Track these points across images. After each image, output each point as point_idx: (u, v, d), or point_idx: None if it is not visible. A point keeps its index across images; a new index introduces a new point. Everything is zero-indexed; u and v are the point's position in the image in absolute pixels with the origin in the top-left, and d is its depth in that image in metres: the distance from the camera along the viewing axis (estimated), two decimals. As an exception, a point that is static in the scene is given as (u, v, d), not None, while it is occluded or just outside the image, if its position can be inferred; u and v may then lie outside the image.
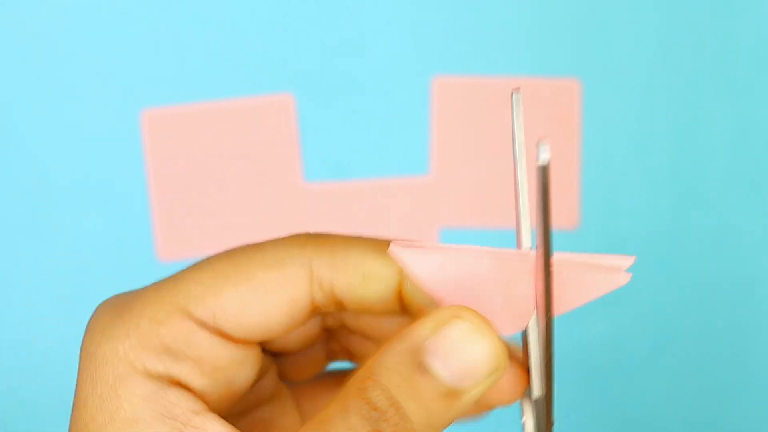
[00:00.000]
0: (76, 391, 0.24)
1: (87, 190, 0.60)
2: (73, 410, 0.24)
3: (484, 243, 0.24)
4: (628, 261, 0.23)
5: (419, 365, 0.22)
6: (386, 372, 0.22)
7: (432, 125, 0.60)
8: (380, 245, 0.25)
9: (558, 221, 0.61)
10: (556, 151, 0.60)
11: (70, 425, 0.24)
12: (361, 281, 0.25)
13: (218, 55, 0.59)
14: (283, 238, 0.25)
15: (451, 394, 0.22)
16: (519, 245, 0.24)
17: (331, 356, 0.30)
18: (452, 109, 0.60)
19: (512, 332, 0.24)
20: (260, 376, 0.27)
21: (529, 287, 0.23)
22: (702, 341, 0.62)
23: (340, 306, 0.25)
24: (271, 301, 0.24)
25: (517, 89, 0.22)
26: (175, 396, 0.23)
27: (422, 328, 0.23)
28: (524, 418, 0.25)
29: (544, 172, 0.21)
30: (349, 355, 0.29)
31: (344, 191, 0.60)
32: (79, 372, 0.24)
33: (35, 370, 0.61)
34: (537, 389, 0.24)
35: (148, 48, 0.59)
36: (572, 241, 0.61)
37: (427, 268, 0.23)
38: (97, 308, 0.25)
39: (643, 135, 0.60)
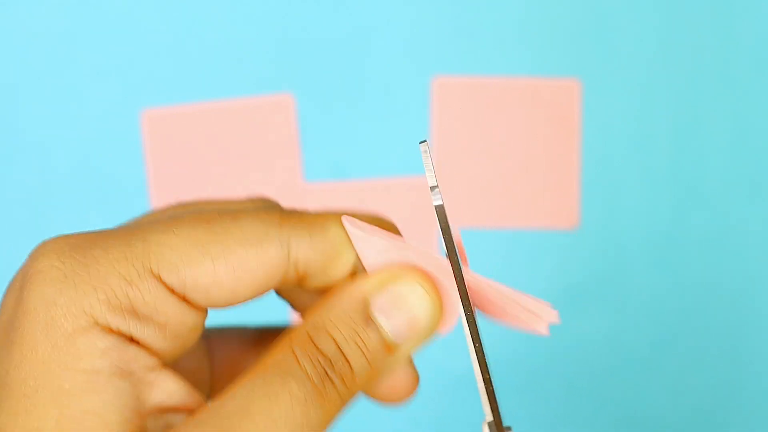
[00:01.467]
0: (12, 332, 0.23)
1: (87, 190, 0.60)
2: (9, 353, 0.23)
3: (484, 243, 0.24)
4: (549, 314, 0.25)
5: (365, 319, 0.24)
6: (335, 323, 0.24)
7: (432, 125, 0.60)
8: (347, 215, 0.26)
9: (558, 221, 0.61)
10: (556, 151, 0.60)
11: None
12: (336, 256, 0.25)
13: (218, 55, 0.59)
14: (259, 212, 0.25)
15: (391, 347, 0.24)
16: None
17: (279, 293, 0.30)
18: (452, 109, 0.60)
19: (448, 324, 0.25)
20: None
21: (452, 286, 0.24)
22: (702, 341, 0.62)
23: (302, 282, 0.26)
24: (244, 278, 0.24)
25: (424, 141, 0.24)
26: (134, 352, 0.23)
27: (369, 284, 0.24)
28: None
29: (441, 212, 0.23)
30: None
31: (344, 191, 0.60)
32: (22, 313, 0.23)
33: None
34: (487, 414, 0.25)
35: (148, 48, 0.59)
36: (572, 241, 0.61)
37: (372, 248, 0.24)
38: (45, 250, 0.24)
39: (643, 135, 0.60)
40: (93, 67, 0.59)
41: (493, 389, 0.25)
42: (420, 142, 0.24)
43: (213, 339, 0.30)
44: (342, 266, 0.25)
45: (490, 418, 0.25)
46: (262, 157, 0.60)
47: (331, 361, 0.23)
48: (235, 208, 0.25)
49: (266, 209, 0.25)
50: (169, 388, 0.23)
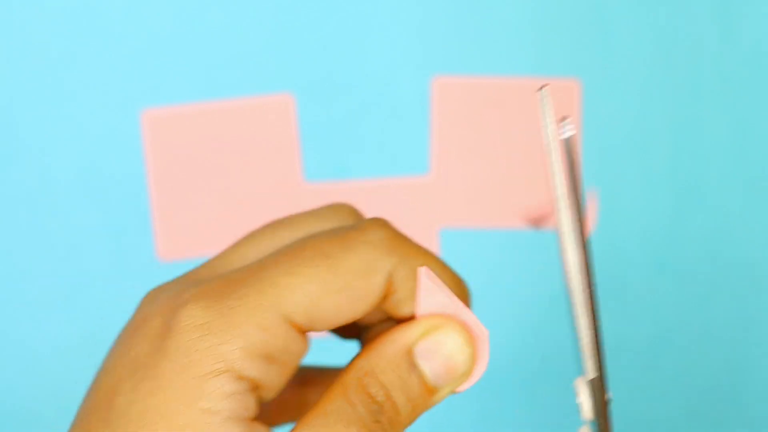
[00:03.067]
0: (144, 370, 0.24)
1: (87, 190, 0.60)
2: (135, 388, 0.24)
3: (484, 243, 0.25)
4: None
5: (410, 366, 0.26)
6: (384, 370, 0.26)
7: (432, 125, 0.60)
8: (439, 263, 0.28)
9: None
10: (556, 151, 0.60)
11: (116, 396, 0.24)
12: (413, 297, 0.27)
13: (218, 55, 0.59)
14: (368, 236, 0.27)
15: (432, 391, 0.26)
16: (561, 236, 0.28)
17: None
18: (452, 109, 0.60)
19: (476, 377, 0.27)
20: None
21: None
22: (702, 341, 0.62)
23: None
24: (356, 306, 0.26)
25: (545, 85, 0.26)
26: (251, 401, 0.25)
27: (414, 332, 0.26)
28: (581, 398, 0.28)
29: (569, 145, 0.25)
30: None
31: (344, 191, 0.60)
32: (163, 357, 0.24)
33: (35, 370, 0.61)
34: (591, 371, 0.28)
35: (148, 48, 0.59)
36: (572, 241, 0.61)
37: (433, 302, 0.27)
38: (188, 302, 0.25)
39: (643, 135, 0.60)
40: (93, 67, 0.59)
41: (599, 342, 0.27)
42: (540, 88, 0.26)
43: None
44: (410, 308, 0.27)
45: (592, 375, 0.27)
46: (262, 157, 0.60)
47: (381, 406, 0.25)
48: (341, 229, 0.27)
49: (372, 229, 0.27)
50: None
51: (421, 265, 0.27)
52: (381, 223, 0.27)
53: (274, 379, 0.25)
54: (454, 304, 0.26)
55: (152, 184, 0.60)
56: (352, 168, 0.60)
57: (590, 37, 0.59)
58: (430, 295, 0.26)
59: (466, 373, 0.27)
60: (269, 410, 0.30)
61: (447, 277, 0.28)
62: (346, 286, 0.26)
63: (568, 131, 0.26)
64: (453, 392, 0.27)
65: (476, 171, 0.60)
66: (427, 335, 0.26)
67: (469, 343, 0.26)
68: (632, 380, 0.62)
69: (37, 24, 0.58)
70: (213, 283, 0.26)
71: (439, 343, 0.26)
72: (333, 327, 0.27)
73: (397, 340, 0.26)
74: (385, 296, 0.27)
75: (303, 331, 0.26)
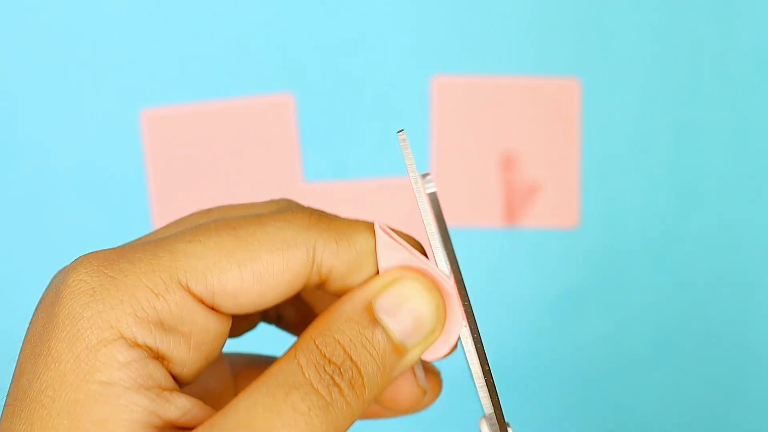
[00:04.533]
0: (39, 345, 0.23)
1: (87, 190, 0.60)
2: (33, 365, 0.23)
3: (484, 242, 0.25)
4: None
5: (372, 321, 0.23)
6: (341, 327, 0.23)
7: (432, 125, 0.60)
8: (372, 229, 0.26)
9: (558, 221, 0.61)
10: (556, 151, 0.60)
11: (21, 377, 0.23)
12: (361, 263, 0.25)
13: (218, 55, 0.59)
14: (285, 215, 0.25)
15: (399, 349, 0.24)
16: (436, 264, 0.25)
17: (264, 318, 0.30)
18: (452, 109, 0.60)
19: (454, 337, 0.25)
20: None
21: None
22: (702, 341, 0.62)
23: (321, 285, 0.26)
24: (271, 283, 0.24)
25: (401, 130, 0.25)
26: (154, 368, 0.23)
27: (373, 286, 0.24)
28: None
29: (434, 199, 0.24)
30: (278, 320, 0.30)
31: (344, 191, 0.60)
32: (51, 328, 0.23)
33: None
34: (486, 407, 0.25)
35: (147, 48, 0.59)
36: (572, 241, 0.61)
37: (394, 257, 0.25)
38: (76, 266, 0.24)
39: (642, 135, 0.60)
40: (93, 67, 0.59)
41: (493, 381, 0.25)
42: (398, 132, 0.24)
43: (238, 366, 0.30)
44: (363, 275, 0.25)
45: (489, 410, 0.25)
46: (262, 157, 0.60)
47: (339, 367, 0.23)
48: (260, 213, 0.25)
49: (293, 212, 0.25)
50: (184, 405, 0.23)
51: (347, 237, 0.24)
52: (304, 208, 0.26)
53: (181, 352, 0.23)
54: (417, 257, 0.25)
55: (152, 183, 0.60)
56: (352, 168, 0.60)
57: (590, 37, 0.59)
58: (389, 251, 0.25)
59: (436, 329, 0.24)
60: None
61: (400, 235, 0.26)
62: (252, 259, 0.23)
63: (430, 188, 0.24)
64: (431, 358, 0.25)
65: (476, 171, 0.60)
66: (387, 288, 0.24)
67: (433, 293, 0.24)
68: (632, 380, 0.62)
69: (38, 25, 0.58)
70: (111, 249, 0.24)
71: (401, 295, 0.24)
72: (249, 307, 0.24)
73: (354, 297, 0.24)
74: (321, 278, 0.25)
75: (209, 306, 0.24)
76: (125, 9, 0.59)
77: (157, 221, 0.60)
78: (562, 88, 0.60)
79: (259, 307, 0.24)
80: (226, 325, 0.24)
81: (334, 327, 0.23)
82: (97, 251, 0.24)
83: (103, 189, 0.60)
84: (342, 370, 0.23)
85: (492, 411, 0.25)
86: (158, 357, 0.23)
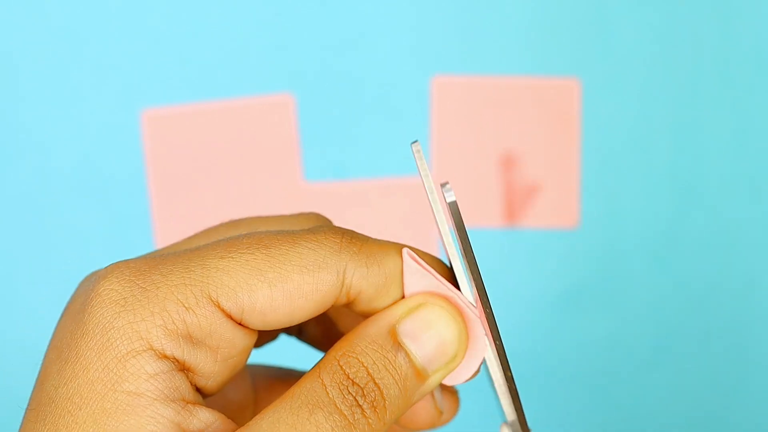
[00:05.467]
0: (66, 351, 0.23)
1: (87, 190, 0.60)
2: (60, 371, 0.23)
3: (484, 242, 0.25)
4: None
5: (395, 344, 0.24)
6: (364, 349, 0.24)
7: (432, 125, 0.60)
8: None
9: (558, 221, 0.61)
10: (556, 151, 0.60)
11: (45, 382, 0.23)
12: (390, 288, 0.25)
13: (218, 55, 0.59)
14: (317, 235, 0.25)
15: (421, 374, 0.24)
16: (456, 279, 0.26)
17: (286, 330, 0.30)
18: (452, 109, 0.60)
19: (476, 362, 0.26)
20: None
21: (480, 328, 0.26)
22: (702, 341, 0.62)
23: (349, 306, 0.26)
24: (299, 304, 0.24)
25: (415, 141, 0.25)
26: (181, 380, 0.23)
27: (397, 310, 0.25)
28: None
29: (455, 209, 0.24)
30: (299, 332, 0.30)
31: (344, 191, 0.60)
32: (81, 335, 0.23)
33: (35, 369, 0.61)
34: (509, 414, 0.26)
35: (148, 48, 0.59)
36: (572, 241, 0.61)
37: (420, 283, 0.25)
38: (110, 272, 0.24)
39: (643, 134, 0.60)
40: (93, 67, 0.59)
41: (516, 388, 0.25)
42: (412, 143, 0.24)
43: (259, 377, 0.30)
44: (389, 298, 0.25)
45: (511, 417, 0.26)
46: (262, 157, 0.60)
47: (362, 389, 0.23)
48: (290, 229, 0.26)
49: (324, 232, 0.25)
50: (207, 419, 0.23)
51: (377, 261, 0.25)
52: (336, 228, 0.26)
53: (207, 365, 0.24)
54: (443, 284, 0.25)
55: (152, 183, 0.60)
56: (352, 168, 0.60)
57: (590, 37, 0.59)
58: (416, 277, 0.25)
59: (458, 355, 0.25)
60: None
61: (428, 260, 0.26)
62: (283, 279, 0.24)
63: (450, 197, 0.24)
64: (452, 383, 0.25)
65: (476, 171, 0.60)
66: (411, 313, 0.25)
67: (457, 319, 0.25)
68: (632, 380, 0.62)
69: (39, 25, 0.58)
70: (142, 258, 0.24)
71: (424, 320, 0.25)
72: (276, 325, 0.24)
73: (379, 320, 0.25)
74: (349, 298, 0.25)
75: (238, 322, 0.24)
76: (125, 9, 0.59)
77: (157, 221, 0.60)
78: (562, 88, 0.60)
79: (286, 325, 0.25)
80: (252, 340, 0.25)
81: (358, 349, 0.24)
82: (129, 260, 0.24)
83: (103, 189, 0.60)
84: (365, 391, 0.23)
85: (515, 417, 0.25)
86: (184, 369, 0.23)
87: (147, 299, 0.23)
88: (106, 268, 0.24)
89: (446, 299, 0.25)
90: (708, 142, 0.60)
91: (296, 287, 0.24)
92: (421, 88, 0.60)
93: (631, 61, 0.60)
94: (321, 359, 0.24)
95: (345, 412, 0.23)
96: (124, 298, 0.23)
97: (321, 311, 0.25)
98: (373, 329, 0.24)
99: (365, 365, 0.23)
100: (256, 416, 0.23)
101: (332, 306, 0.25)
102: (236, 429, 0.24)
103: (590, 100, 0.60)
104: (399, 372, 0.24)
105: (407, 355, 0.24)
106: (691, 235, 0.61)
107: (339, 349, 0.24)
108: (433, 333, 0.24)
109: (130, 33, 0.59)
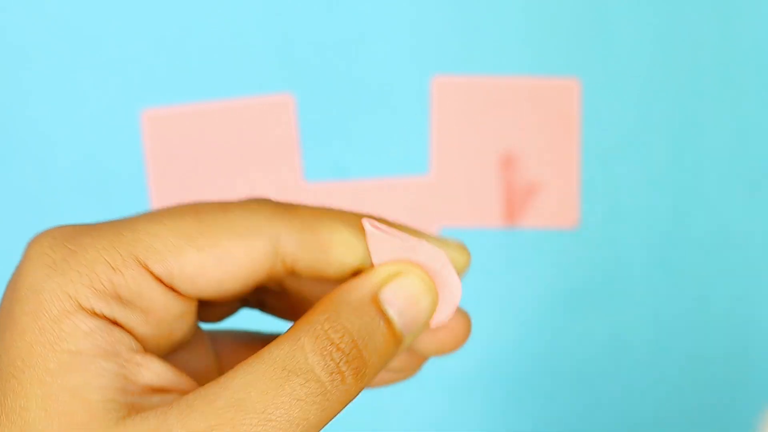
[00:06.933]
0: (5, 318, 0.23)
1: (87, 190, 0.60)
2: (1, 339, 0.23)
3: (484, 242, 0.25)
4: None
5: (378, 311, 0.24)
6: (349, 316, 0.24)
7: (432, 125, 0.60)
8: (347, 219, 0.26)
9: (558, 221, 0.61)
10: (556, 151, 0.60)
11: None
12: (326, 255, 0.25)
13: (218, 55, 0.59)
14: (250, 203, 0.25)
15: (399, 339, 0.25)
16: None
17: (244, 303, 0.30)
18: (452, 109, 0.60)
19: (445, 315, 0.27)
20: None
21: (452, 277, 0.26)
22: (702, 341, 0.62)
23: (291, 275, 0.26)
24: (230, 270, 0.24)
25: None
26: (118, 334, 0.23)
27: (374, 278, 0.25)
28: None
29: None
30: (261, 305, 0.30)
31: (344, 191, 0.60)
32: (15, 301, 0.23)
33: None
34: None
35: (147, 48, 0.59)
36: (572, 241, 0.61)
37: (385, 247, 0.26)
38: (39, 238, 0.24)
39: (643, 135, 0.60)
40: (93, 67, 0.59)
41: None
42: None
43: (222, 343, 0.30)
44: (332, 264, 0.26)
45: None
46: (262, 157, 0.60)
47: (346, 355, 0.23)
48: (233, 202, 0.26)
49: (258, 201, 0.25)
50: (157, 369, 0.24)
51: (310, 227, 0.25)
52: (271, 199, 0.26)
53: (140, 327, 0.24)
54: (409, 240, 0.25)
55: (152, 184, 0.60)
56: (352, 168, 0.60)
57: (590, 37, 0.59)
58: (380, 243, 0.25)
59: (429, 319, 0.26)
60: None
61: (385, 222, 0.27)
62: (212, 244, 0.24)
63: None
64: (432, 352, 0.27)
65: (476, 171, 0.61)
66: (390, 281, 0.25)
67: (431, 286, 0.26)
68: (632, 380, 0.62)
69: (38, 24, 0.58)
70: (74, 225, 0.25)
71: (404, 288, 0.25)
72: (209, 292, 0.25)
73: (360, 288, 0.25)
74: (286, 266, 0.25)
75: (169, 287, 0.24)
76: (125, 9, 0.59)
77: (157, 221, 0.60)
78: (562, 88, 0.60)
79: (221, 294, 0.25)
80: (189, 307, 0.25)
81: (344, 315, 0.24)
82: (62, 225, 0.25)
83: (103, 189, 0.60)
84: (349, 358, 0.23)
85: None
86: (119, 325, 0.24)
87: (76, 260, 0.23)
88: (38, 234, 0.25)
89: (420, 267, 0.26)
90: (708, 142, 0.60)
91: (226, 252, 0.24)
92: (421, 88, 0.60)
93: (631, 61, 0.60)
94: (298, 322, 0.24)
95: (323, 379, 0.23)
96: (54, 261, 0.23)
97: (257, 279, 0.25)
98: (354, 295, 0.25)
99: (350, 332, 0.24)
100: (228, 372, 0.23)
101: (272, 276, 0.25)
102: (191, 381, 0.24)
103: (590, 100, 0.60)
104: (381, 338, 0.24)
105: (389, 321, 0.25)
106: (691, 235, 0.61)
107: (321, 313, 0.24)
108: (412, 301, 0.25)
109: (130, 33, 0.59)
